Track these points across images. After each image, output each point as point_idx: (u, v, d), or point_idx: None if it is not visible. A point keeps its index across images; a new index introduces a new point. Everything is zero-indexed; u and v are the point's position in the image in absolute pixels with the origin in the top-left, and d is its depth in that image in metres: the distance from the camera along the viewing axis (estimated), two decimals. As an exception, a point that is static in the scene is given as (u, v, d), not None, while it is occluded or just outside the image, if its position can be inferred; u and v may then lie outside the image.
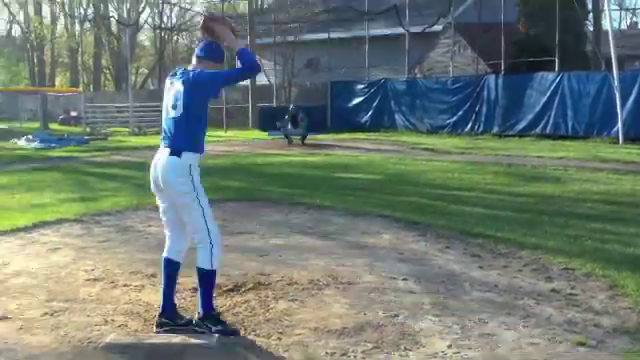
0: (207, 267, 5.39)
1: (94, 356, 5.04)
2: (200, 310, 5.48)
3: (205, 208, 5.34)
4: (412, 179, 15.06)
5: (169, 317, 5.49)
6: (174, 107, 5.30)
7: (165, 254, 5.66)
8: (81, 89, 45.35)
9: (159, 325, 5.47)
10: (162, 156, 5.33)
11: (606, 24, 28.28)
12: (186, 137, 5.28)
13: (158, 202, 5.58)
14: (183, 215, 5.39)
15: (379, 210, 10.80)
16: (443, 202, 11.69)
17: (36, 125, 42.91)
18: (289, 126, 26.03)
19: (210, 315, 5.45)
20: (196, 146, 5.32)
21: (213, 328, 5.36)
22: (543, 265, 7.51)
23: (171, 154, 5.26)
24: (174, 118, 5.30)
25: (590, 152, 20.57)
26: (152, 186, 5.50)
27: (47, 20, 65.47)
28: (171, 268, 5.61)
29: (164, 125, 5.41)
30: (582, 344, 5.18)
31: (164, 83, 5.67)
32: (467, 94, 29.38)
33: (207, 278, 5.44)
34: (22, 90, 51.66)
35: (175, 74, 5.46)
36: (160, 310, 5.54)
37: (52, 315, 5.94)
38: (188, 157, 5.26)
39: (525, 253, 8.00)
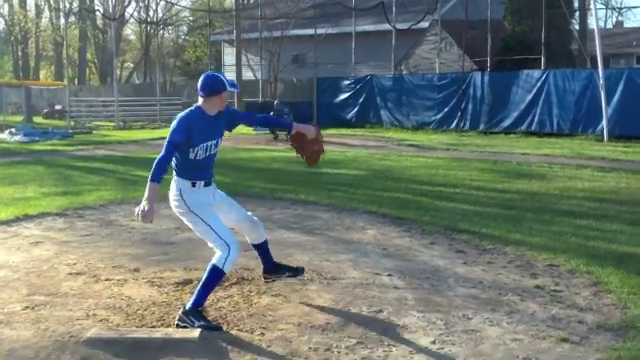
0: (219, 266, 5.54)
1: (75, 351, 4.99)
2: (189, 304, 5.49)
3: (210, 220, 5.65)
4: (397, 175, 15.07)
5: (269, 273, 6.36)
6: None
7: (249, 242, 6.28)
8: (66, 83, 45.04)
9: (265, 278, 6.40)
10: None
11: (592, 22, 28.37)
12: (175, 166, 5.72)
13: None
14: (193, 228, 5.81)
15: (364, 206, 10.79)
16: (428, 198, 11.69)
17: (20, 118, 42.63)
18: (273, 121, 25.94)
19: (196, 311, 5.45)
20: (185, 174, 5.69)
21: (196, 323, 5.34)
22: (528, 261, 7.52)
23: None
24: None
25: (575, 149, 20.66)
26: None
27: (31, 13, 65.19)
28: (259, 249, 6.27)
29: None
30: (566, 340, 5.18)
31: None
32: (453, 91, 29.42)
33: (215, 276, 5.59)
34: (6, 83, 51.28)
35: None
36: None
37: (33, 309, 5.89)
38: (179, 182, 5.70)
39: (510, 249, 8.01)
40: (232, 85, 5.79)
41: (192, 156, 5.61)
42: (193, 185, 5.67)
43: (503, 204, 11.24)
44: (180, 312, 5.48)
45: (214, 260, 5.59)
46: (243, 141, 24.41)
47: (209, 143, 5.68)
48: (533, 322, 5.59)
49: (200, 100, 5.69)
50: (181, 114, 5.71)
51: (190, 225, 5.81)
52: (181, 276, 6.91)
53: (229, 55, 41.98)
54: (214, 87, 5.64)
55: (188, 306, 5.48)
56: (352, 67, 34.04)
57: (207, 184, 5.77)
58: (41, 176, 14.96)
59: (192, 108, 5.70)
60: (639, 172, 15.25)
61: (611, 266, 7.10)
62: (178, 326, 5.39)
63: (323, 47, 35.09)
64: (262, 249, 6.29)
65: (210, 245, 5.76)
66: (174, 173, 5.74)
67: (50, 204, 10.89)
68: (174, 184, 5.73)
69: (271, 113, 25.95)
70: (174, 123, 5.62)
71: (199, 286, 5.62)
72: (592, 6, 26.76)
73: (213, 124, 5.70)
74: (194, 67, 60.94)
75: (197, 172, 5.70)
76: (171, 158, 5.54)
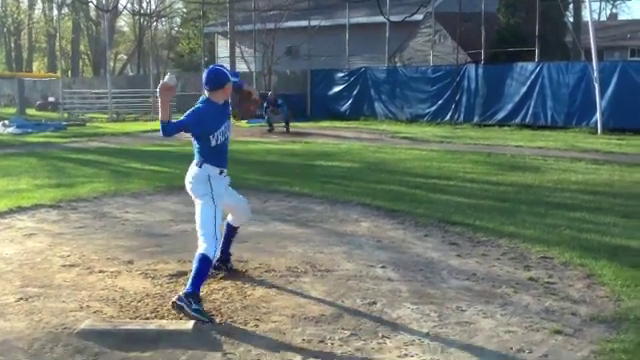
0: (210, 256, 5.70)
1: (69, 342, 4.99)
2: (188, 289, 5.53)
3: (218, 213, 5.92)
4: (391, 167, 15.06)
5: (223, 262, 6.60)
6: None
7: (227, 220, 6.59)
8: (59, 74, 44.85)
9: (215, 268, 6.42)
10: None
11: (586, 15, 28.39)
12: (201, 155, 6.02)
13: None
14: (200, 210, 5.96)
15: (358, 198, 10.78)
16: (422, 190, 11.70)
17: (13, 110, 42.49)
18: (268, 112, 25.87)
19: (195, 294, 5.51)
20: (212, 161, 5.99)
21: (193, 305, 5.40)
22: (521, 254, 7.53)
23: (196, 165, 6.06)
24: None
25: (569, 142, 20.67)
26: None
27: (24, 5, 64.92)
28: (232, 231, 6.67)
29: None
30: (559, 332, 5.19)
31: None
32: (447, 83, 29.38)
33: (206, 266, 5.71)
34: (-1, 75, 51.12)
35: None
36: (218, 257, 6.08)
37: (27, 301, 5.88)
38: (207, 169, 5.98)
39: (504, 242, 8.01)
40: (233, 74, 6.13)
41: (214, 143, 5.92)
42: (220, 173, 6.02)
43: (497, 196, 11.24)
44: (180, 293, 5.53)
45: (203, 250, 5.70)
46: (238, 133, 24.36)
47: (223, 127, 6.00)
48: (527, 314, 5.60)
49: (206, 93, 5.96)
50: (196, 106, 5.96)
51: (200, 207, 5.94)
52: (175, 268, 6.91)
53: (223, 47, 41.89)
54: (217, 81, 5.92)
55: (188, 290, 5.53)
56: (346, 59, 33.97)
57: (226, 175, 6.16)
58: (34, 168, 14.92)
59: (202, 100, 5.98)
60: (633, 165, 15.27)
61: (605, 258, 7.12)
62: (174, 305, 5.44)
63: (317, 39, 35.01)
64: (233, 233, 6.75)
65: (200, 231, 5.85)
66: (200, 161, 5.96)
67: (43, 196, 10.86)
68: (201, 171, 5.96)
69: (264, 104, 25.92)
70: (189, 111, 5.91)
71: (192, 277, 5.63)
72: (586, -1, 26.74)
73: (222, 111, 6.04)
74: (188, 59, 60.72)
75: (220, 159, 6.06)
76: (176, 132, 5.77)
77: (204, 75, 5.95)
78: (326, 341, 5.03)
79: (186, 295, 5.47)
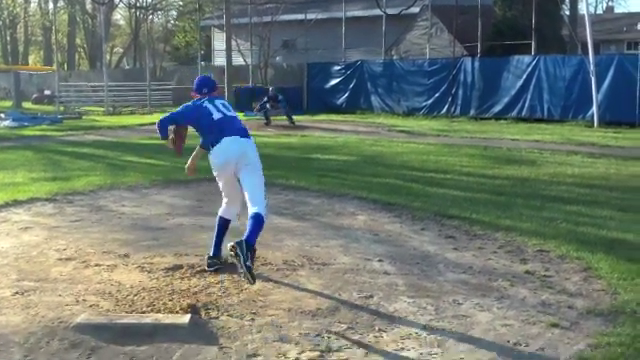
0: (264, 215, 6.09)
1: (65, 336, 4.97)
2: (251, 239, 5.73)
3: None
4: (388, 161, 15.06)
5: (217, 257, 6.69)
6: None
7: (220, 214, 6.81)
8: (55, 68, 44.69)
9: (209, 265, 6.63)
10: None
11: (582, 8, 28.34)
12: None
13: (223, 177, 6.67)
14: (256, 179, 6.47)
15: (355, 191, 10.77)
16: (419, 184, 11.69)
17: (9, 104, 42.38)
18: (268, 106, 25.85)
19: (250, 246, 5.64)
20: None
21: (248, 261, 5.52)
22: (518, 247, 7.53)
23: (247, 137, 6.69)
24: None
25: (565, 135, 20.67)
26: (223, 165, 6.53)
27: (20, -3, 64.65)
28: (223, 224, 6.77)
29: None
30: (556, 326, 5.19)
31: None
32: (444, 77, 29.34)
33: (262, 222, 6.03)
34: (-6, 68, 50.94)
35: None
36: (211, 253, 6.68)
37: (23, 294, 5.87)
38: None
39: (500, 235, 8.02)
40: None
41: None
42: None
43: (493, 190, 11.24)
44: (242, 240, 5.63)
45: (259, 210, 6.07)
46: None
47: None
48: (523, 307, 5.60)
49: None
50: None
51: (257, 176, 6.50)
52: (171, 262, 6.90)
53: (219, 40, 41.78)
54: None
55: (251, 241, 5.70)
56: (342, 52, 33.92)
57: None
58: (30, 161, 14.89)
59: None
60: (629, 158, 15.29)
61: (601, 252, 7.12)
62: (233, 249, 5.54)
63: (313, 32, 34.96)
64: (227, 226, 6.91)
65: (255, 197, 6.21)
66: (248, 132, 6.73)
67: (39, 189, 10.84)
68: (253, 142, 6.71)
69: (264, 99, 25.89)
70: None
71: (251, 231, 5.83)
72: (583, -8, 26.70)
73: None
74: (184, 52, 60.66)
75: None
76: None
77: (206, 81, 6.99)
78: (323, 335, 5.03)
79: (247, 247, 5.56)
